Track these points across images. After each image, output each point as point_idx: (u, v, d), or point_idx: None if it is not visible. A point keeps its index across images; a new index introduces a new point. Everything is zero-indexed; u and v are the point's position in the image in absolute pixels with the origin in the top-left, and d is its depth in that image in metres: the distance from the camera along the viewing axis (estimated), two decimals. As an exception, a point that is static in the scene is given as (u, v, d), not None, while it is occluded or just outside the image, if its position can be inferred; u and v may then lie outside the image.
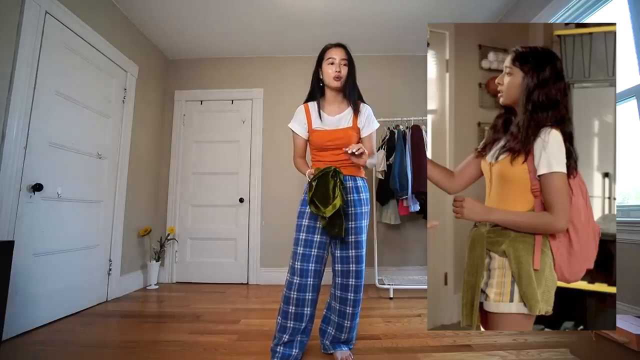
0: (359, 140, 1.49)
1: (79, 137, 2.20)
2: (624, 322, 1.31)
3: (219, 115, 3.34)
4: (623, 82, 1.77)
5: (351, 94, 1.46)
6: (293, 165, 1.57)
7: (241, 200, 3.18)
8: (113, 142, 2.56)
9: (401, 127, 2.82)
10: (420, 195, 2.62)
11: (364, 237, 1.44)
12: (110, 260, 2.50)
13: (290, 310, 1.37)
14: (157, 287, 2.92)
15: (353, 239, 1.40)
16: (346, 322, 1.42)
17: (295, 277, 1.37)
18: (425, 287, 2.52)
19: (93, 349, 1.60)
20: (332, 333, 1.47)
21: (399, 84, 3.32)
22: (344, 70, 1.43)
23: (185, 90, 3.38)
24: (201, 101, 3.36)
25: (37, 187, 1.82)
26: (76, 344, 1.66)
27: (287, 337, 1.37)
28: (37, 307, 1.85)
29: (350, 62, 1.45)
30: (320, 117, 1.47)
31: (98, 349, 1.60)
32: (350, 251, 1.40)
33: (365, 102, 1.53)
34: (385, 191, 2.75)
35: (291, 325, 1.37)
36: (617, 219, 1.76)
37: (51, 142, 1.96)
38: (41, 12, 1.86)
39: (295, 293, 1.36)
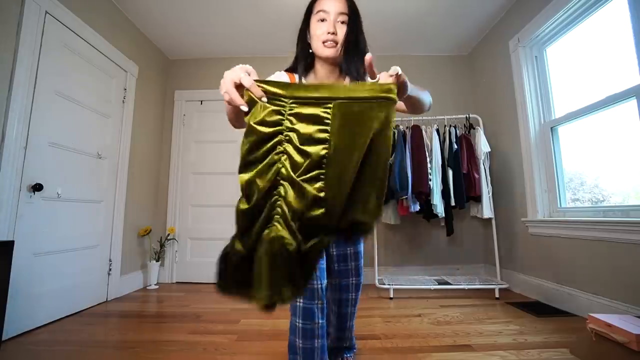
0: None
1: (79, 137, 2.20)
2: (624, 322, 1.31)
3: (219, 115, 3.33)
4: (623, 82, 1.77)
5: (351, 68, 0.98)
6: None
7: (241, 200, 3.18)
8: (113, 142, 2.56)
9: (401, 127, 2.82)
10: (420, 195, 2.62)
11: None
12: (110, 260, 2.50)
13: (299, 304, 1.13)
14: (157, 287, 2.91)
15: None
16: (348, 322, 1.37)
17: None
18: (426, 287, 2.52)
19: (93, 349, 1.60)
20: (334, 338, 1.40)
21: (399, 84, 3.32)
22: (342, 31, 0.96)
23: (185, 90, 3.38)
24: (201, 101, 3.36)
25: (37, 187, 1.82)
26: (76, 344, 1.66)
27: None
28: (37, 307, 1.85)
29: (353, 19, 0.99)
30: None
31: (98, 349, 1.60)
32: (348, 249, 1.36)
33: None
34: (385, 191, 2.74)
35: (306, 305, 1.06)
36: (617, 218, 1.76)
37: (51, 142, 1.96)
38: (41, 12, 1.86)
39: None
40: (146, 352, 1.55)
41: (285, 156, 0.70)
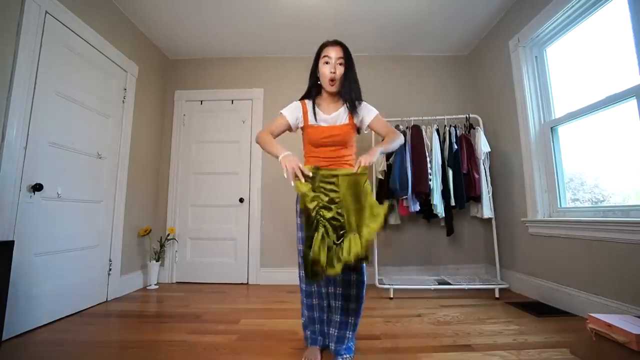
0: (356, 133, 1.53)
1: (79, 137, 2.20)
2: (624, 322, 1.31)
3: (219, 115, 3.33)
4: (623, 82, 1.77)
5: (346, 95, 1.44)
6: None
7: (241, 200, 3.18)
8: (113, 142, 2.56)
9: (401, 127, 2.82)
10: (420, 195, 2.62)
11: None
12: (110, 260, 2.50)
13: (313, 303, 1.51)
14: (157, 287, 2.91)
15: None
16: (350, 318, 1.40)
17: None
18: (425, 287, 2.52)
19: (93, 349, 1.60)
20: (335, 334, 1.42)
21: (398, 84, 3.32)
22: (339, 71, 1.42)
23: (185, 90, 3.38)
24: (201, 101, 3.36)
25: (37, 187, 1.82)
26: (76, 344, 1.66)
27: (317, 326, 1.51)
28: (38, 307, 1.85)
29: (347, 61, 1.43)
30: (316, 115, 1.47)
31: (98, 349, 1.60)
32: None
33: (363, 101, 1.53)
34: (385, 191, 2.75)
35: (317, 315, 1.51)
36: (617, 218, 1.76)
37: (51, 142, 1.96)
38: (41, 12, 1.86)
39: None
40: (146, 352, 1.55)
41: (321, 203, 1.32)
